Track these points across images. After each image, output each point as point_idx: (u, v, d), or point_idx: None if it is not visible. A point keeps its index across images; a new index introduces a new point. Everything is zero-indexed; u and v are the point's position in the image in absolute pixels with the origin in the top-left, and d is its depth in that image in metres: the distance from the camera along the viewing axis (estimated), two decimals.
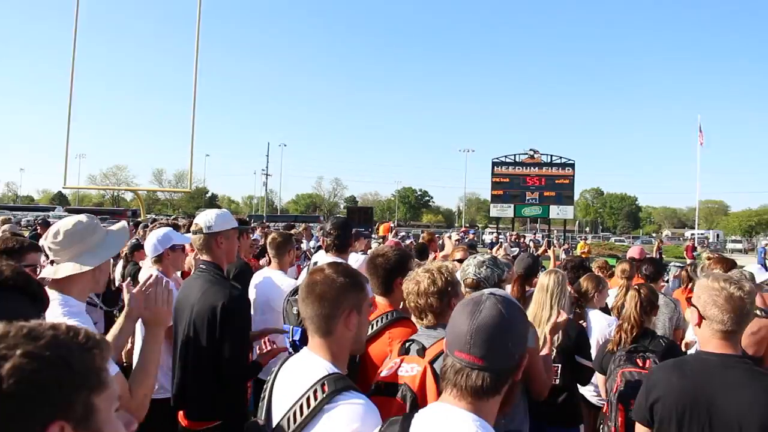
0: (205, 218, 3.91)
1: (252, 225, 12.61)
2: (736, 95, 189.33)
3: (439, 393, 2.58)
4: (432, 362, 2.69)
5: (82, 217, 2.93)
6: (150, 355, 2.68)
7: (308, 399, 2.12)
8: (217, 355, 3.52)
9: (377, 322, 3.42)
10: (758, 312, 5.28)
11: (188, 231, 5.57)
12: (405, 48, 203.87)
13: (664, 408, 2.82)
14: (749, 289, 2.76)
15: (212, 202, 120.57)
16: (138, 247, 7.47)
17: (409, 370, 2.70)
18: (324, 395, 2.11)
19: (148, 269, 5.02)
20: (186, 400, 3.69)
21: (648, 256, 9.57)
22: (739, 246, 70.61)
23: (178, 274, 5.48)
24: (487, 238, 42.16)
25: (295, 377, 2.28)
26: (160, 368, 4.16)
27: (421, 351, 2.80)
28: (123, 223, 3.28)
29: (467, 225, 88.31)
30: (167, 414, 3.80)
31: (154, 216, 37.44)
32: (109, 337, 2.77)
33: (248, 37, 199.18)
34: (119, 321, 2.84)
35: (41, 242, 3.01)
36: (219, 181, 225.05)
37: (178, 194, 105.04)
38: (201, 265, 3.92)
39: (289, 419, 2.15)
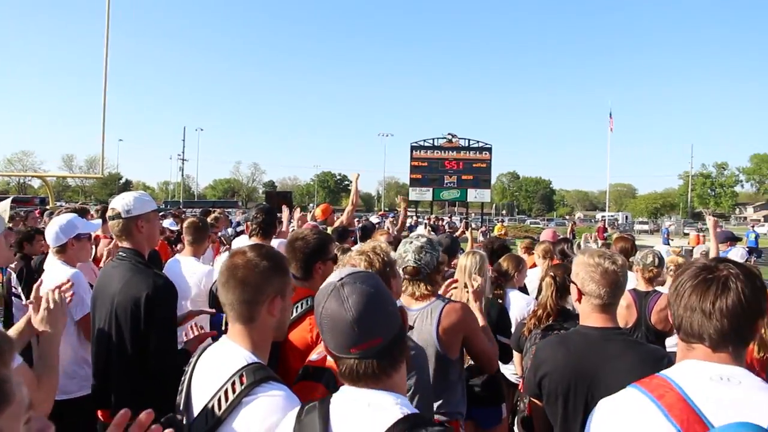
0: (122, 202, 3.66)
1: (164, 211, 12.12)
2: (646, 82, 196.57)
3: None
4: None
5: None
6: (49, 353, 2.60)
7: (226, 391, 2.06)
8: (143, 349, 3.35)
9: (297, 307, 3.35)
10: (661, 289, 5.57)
11: (101, 217, 5.32)
12: (324, 32, 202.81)
13: (550, 383, 2.93)
14: (622, 263, 2.95)
15: (126, 188, 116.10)
16: (29, 238, 7.05)
17: None
18: (243, 387, 2.04)
19: (50, 262, 4.67)
20: (109, 397, 3.47)
21: (560, 237, 9.87)
22: (645, 227, 73.37)
23: (104, 261, 5.26)
24: (408, 221, 42.26)
25: (214, 367, 2.20)
26: (79, 363, 4.06)
27: None
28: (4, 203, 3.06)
29: (386, 209, 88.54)
30: (88, 411, 3.66)
31: (64, 203, 36.08)
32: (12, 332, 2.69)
33: (161, 20, 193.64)
34: (18, 326, 2.77)
35: None
36: (133, 166, 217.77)
37: (90, 180, 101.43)
38: (120, 253, 3.67)
39: (207, 412, 2.08)
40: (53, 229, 4.58)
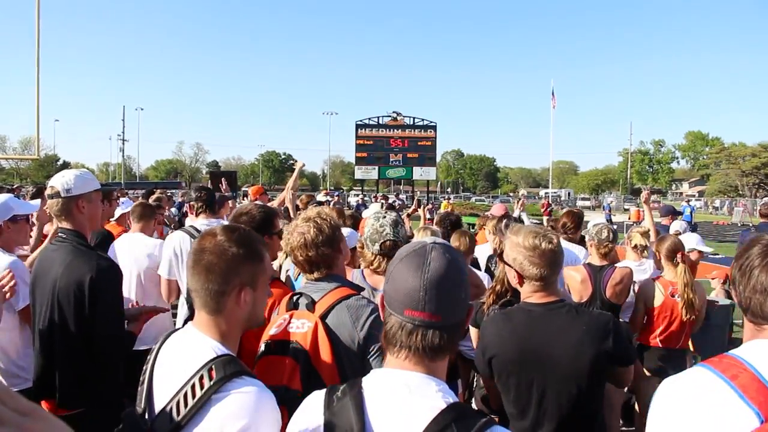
0: (62, 180, 3.45)
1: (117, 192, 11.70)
2: (587, 61, 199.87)
3: (333, 348, 2.51)
4: (323, 317, 2.59)
5: None
6: None
7: (194, 387, 1.84)
8: (89, 333, 3.19)
9: None
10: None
11: (34, 198, 5.01)
12: (267, 10, 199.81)
13: (500, 363, 2.91)
14: (557, 240, 2.96)
15: (64, 169, 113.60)
16: None
17: (300, 327, 2.58)
18: (212, 382, 1.83)
19: None
20: (52, 387, 3.29)
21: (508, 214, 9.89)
22: (587, 203, 75.05)
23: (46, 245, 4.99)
24: (353, 200, 42.25)
25: (179, 359, 1.99)
26: (25, 357, 3.82)
27: (311, 305, 2.66)
28: None
29: (332, 188, 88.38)
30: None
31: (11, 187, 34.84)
32: None
33: None
34: None
35: None
36: (71, 147, 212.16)
37: (25, 162, 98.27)
38: (60, 234, 3.47)
39: (172, 409, 1.86)
40: None
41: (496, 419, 3.36)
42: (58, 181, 3.46)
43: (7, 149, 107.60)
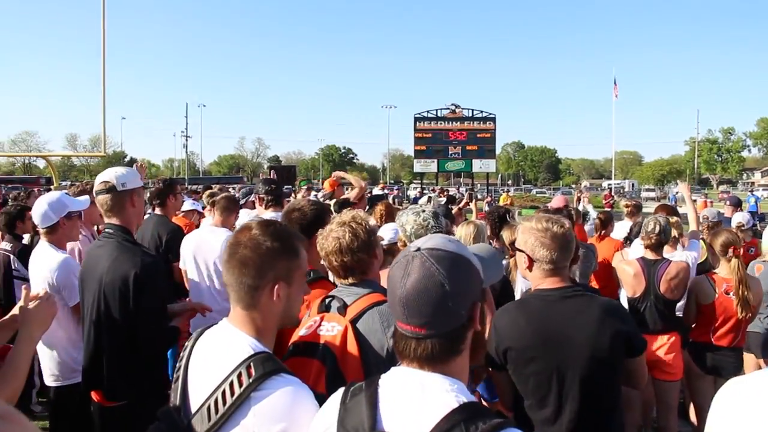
0: (115, 174, 3.49)
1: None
2: (650, 48, 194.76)
3: (361, 354, 2.48)
4: (354, 321, 2.54)
5: None
6: (24, 355, 2.40)
7: (232, 384, 1.83)
8: (133, 327, 3.27)
9: None
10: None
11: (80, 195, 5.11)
12: (326, 4, 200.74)
13: (517, 353, 2.86)
14: (568, 225, 2.95)
15: (131, 166, 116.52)
16: (20, 215, 6.74)
17: (330, 329, 2.54)
18: (251, 380, 1.82)
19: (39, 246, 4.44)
20: (100, 379, 3.39)
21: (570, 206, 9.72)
22: (652, 195, 73.08)
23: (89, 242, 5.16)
24: (412, 193, 42.29)
25: (215, 355, 1.98)
26: (77, 349, 3.95)
27: (342, 308, 2.61)
28: None
29: (392, 181, 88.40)
30: (84, 393, 3.58)
31: (70, 182, 36.02)
32: None
33: None
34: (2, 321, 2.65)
35: None
36: (137, 144, 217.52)
37: (95, 159, 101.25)
38: (108, 230, 3.52)
39: (209, 408, 1.85)
40: (42, 208, 4.28)
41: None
42: (112, 176, 3.50)
43: (78, 147, 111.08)
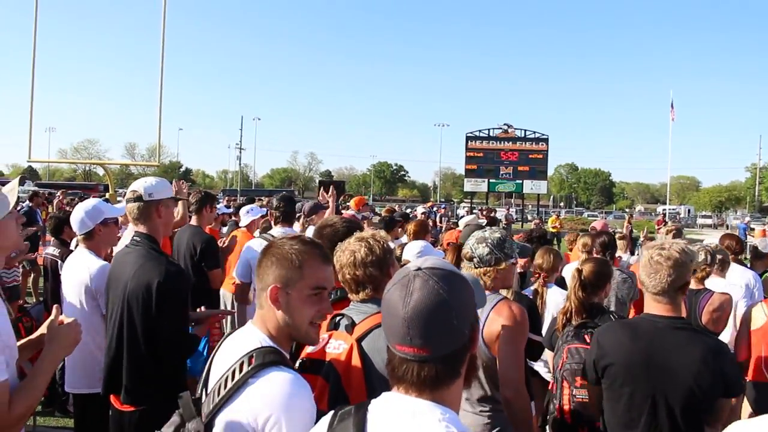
0: (144, 184, 3.62)
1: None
2: (709, 71, 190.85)
3: (365, 373, 2.49)
4: (360, 340, 2.56)
5: None
6: (45, 374, 2.48)
7: (234, 372, 2.00)
8: (154, 336, 3.36)
9: None
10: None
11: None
12: (381, 21, 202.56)
13: (616, 371, 2.95)
14: (669, 252, 2.94)
15: (186, 176, 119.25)
16: (67, 221, 7.00)
17: (337, 347, 2.58)
18: (249, 368, 1.98)
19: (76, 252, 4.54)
20: (120, 383, 3.47)
21: (613, 230, 9.52)
22: (709, 221, 71.32)
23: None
24: (461, 212, 42.14)
25: (231, 349, 2.15)
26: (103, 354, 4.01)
27: (350, 327, 2.64)
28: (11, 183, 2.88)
29: (442, 200, 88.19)
30: (102, 401, 3.65)
31: (125, 191, 36.97)
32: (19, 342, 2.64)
33: (220, 8, 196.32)
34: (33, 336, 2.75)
35: None
36: (193, 155, 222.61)
37: (151, 168, 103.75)
38: (135, 238, 3.62)
39: (214, 393, 2.02)
40: (78, 215, 4.39)
41: None
42: (141, 186, 3.62)
43: (136, 156, 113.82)
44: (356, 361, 2.50)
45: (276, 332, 2.16)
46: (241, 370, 1.98)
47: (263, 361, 1.99)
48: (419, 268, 1.58)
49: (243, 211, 8.11)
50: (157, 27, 22.89)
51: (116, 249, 4.69)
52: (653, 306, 2.97)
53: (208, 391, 2.10)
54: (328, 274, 2.24)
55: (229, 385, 1.98)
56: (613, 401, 2.97)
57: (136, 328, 3.39)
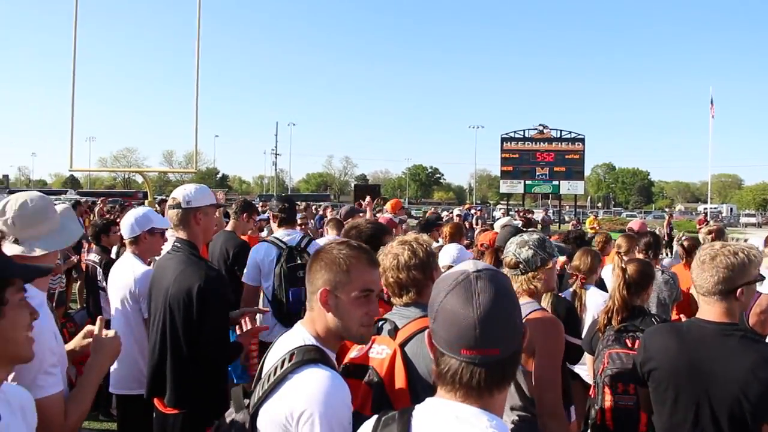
0: (183, 192, 3.70)
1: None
2: (749, 67, 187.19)
3: (409, 378, 2.50)
4: (402, 345, 2.57)
5: (34, 195, 2.72)
6: (93, 384, 2.60)
7: (276, 368, 2.09)
8: (196, 340, 3.42)
9: None
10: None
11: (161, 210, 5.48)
12: (413, 24, 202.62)
13: (661, 375, 2.87)
14: (716, 254, 2.78)
15: (223, 182, 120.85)
16: (105, 229, 7.19)
17: (380, 352, 2.59)
18: (290, 365, 2.07)
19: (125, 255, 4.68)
20: (164, 386, 3.54)
21: (651, 230, 9.32)
22: (753, 220, 69.84)
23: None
24: (497, 214, 41.89)
25: (280, 348, 2.23)
26: (145, 358, 4.08)
27: (393, 331, 2.65)
28: (65, 205, 3.04)
29: (478, 202, 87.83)
30: (146, 404, 3.73)
31: (164, 197, 37.59)
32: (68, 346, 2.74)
33: (254, 16, 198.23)
34: (76, 340, 2.84)
35: None
36: (229, 161, 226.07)
37: (189, 175, 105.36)
38: (176, 243, 3.71)
39: (260, 386, 2.12)
40: (129, 220, 4.60)
41: None
42: (180, 193, 3.71)
43: (174, 163, 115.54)
44: (399, 366, 2.51)
45: (324, 333, 2.23)
46: (282, 366, 2.08)
47: (302, 358, 2.08)
48: (477, 270, 1.56)
49: None
50: (192, 36, 23.13)
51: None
52: (704, 309, 2.83)
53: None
54: (375, 276, 2.30)
55: (272, 380, 2.07)
56: (658, 405, 2.90)
57: (178, 333, 3.45)
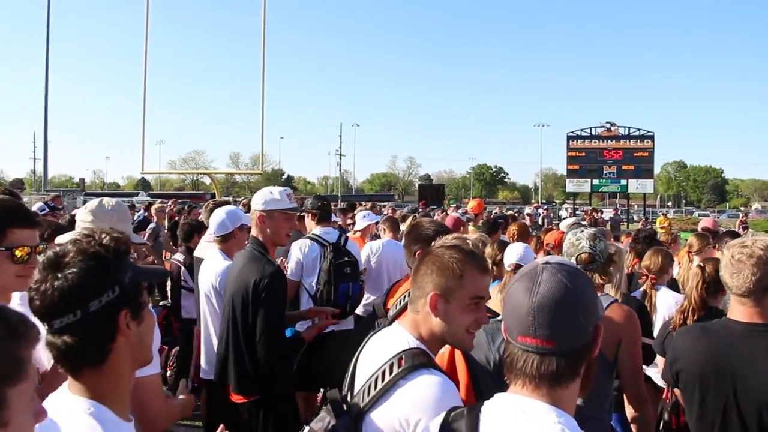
0: (255, 196, 3.97)
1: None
2: None
3: (469, 372, 2.51)
4: None
5: (112, 201, 3.02)
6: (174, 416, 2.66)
7: (384, 373, 2.04)
8: (252, 331, 3.60)
9: (404, 297, 3.28)
10: None
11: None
12: (476, 22, 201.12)
13: (688, 376, 2.80)
14: (750, 252, 2.66)
15: (288, 183, 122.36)
16: (198, 229, 7.20)
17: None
18: (399, 370, 2.01)
19: (209, 253, 4.87)
20: (229, 375, 3.75)
21: (729, 229, 9.02)
22: None
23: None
24: (564, 213, 41.32)
25: (378, 349, 2.21)
26: None
27: None
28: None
29: (543, 201, 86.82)
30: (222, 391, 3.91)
31: (232, 198, 38.43)
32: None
33: (317, 17, 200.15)
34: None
35: (77, 217, 3.13)
36: (294, 162, 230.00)
37: (255, 177, 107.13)
38: (249, 240, 3.98)
39: (364, 392, 2.08)
40: (219, 217, 4.74)
41: None
42: (257, 196, 3.95)
43: (240, 165, 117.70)
44: (459, 358, 2.54)
45: (428, 336, 2.18)
46: (391, 372, 2.03)
47: (413, 363, 2.02)
48: (547, 263, 1.59)
49: (359, 216, 8.49)
50: (258, 39, 23.57)
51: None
52: (736, 309, 2.71)
53: (356, 390, 2.17)
54: (486, 283, 2.28)
55: (380, 385, 2.02)
56: (688, 406, 2.83)
57: (238, 326, 3.66)
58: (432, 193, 39.09)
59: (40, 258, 1.77)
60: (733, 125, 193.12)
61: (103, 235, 1.72)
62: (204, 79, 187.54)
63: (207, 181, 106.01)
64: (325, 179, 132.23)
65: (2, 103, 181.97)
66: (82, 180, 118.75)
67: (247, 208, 6.98)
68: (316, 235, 5.50)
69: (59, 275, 1.58)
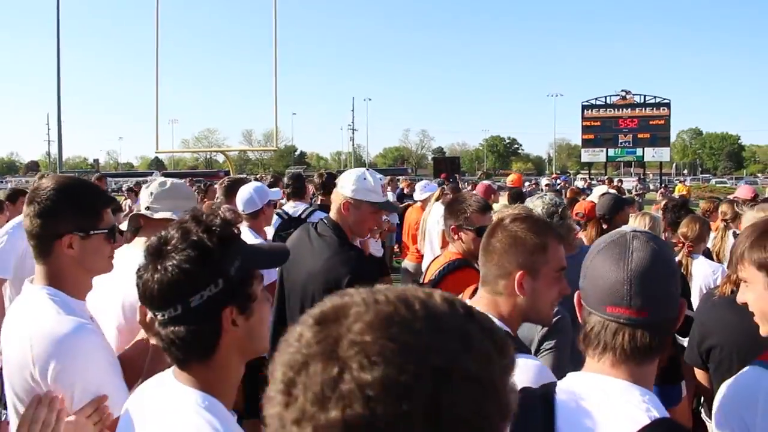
0: (348, 177, 3.34)
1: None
2: None
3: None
4: None
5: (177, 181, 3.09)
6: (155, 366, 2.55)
7: None
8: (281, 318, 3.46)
9: (441, 271, 3.38)
10: None
11: (272, 187, 5.85)
12: None
13: (722, 352, 2.73)
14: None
15: (301, 159, 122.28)
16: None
17: None
18: None
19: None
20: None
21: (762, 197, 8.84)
22: None
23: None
24: (579, 183, 41.03)
25: None
26: None
27: None
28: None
29: (558, 172, 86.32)
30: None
31: (246, 176, 38.58)
32: None
33: None
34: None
35: (142, 190, 3.16)
36: (307, 138, 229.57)
37: (268, 153, 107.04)
38: (323, 220, 3.41)
39: None
40: (248, 194, 4.64)
41: None
42: (343, 177, 3.41)
43: (253, 142, 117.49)
44: None
45: (510, 315, 2.11)
46: None
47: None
48: (635, 231, 1.53)
49: (419, 186, 8.88)
50: (269, 15, 23.42)
51: None
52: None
53: None
54: (563, 252, 2.19)
55: None
56: (719, 385, 2.68)
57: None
58: (447, 165, 38.89)
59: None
60: (749, 91, 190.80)
61: (211, 218, 1.60)
62: (215, 58, 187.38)
63: (221, 159, 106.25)
64: (338, 154, 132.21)
65: (16, 88, 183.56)
66: (96, 161, 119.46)
67: (271, 185, 6.95)
68: (284, 210, 5.74)
69: (159, 266, 1.51)
